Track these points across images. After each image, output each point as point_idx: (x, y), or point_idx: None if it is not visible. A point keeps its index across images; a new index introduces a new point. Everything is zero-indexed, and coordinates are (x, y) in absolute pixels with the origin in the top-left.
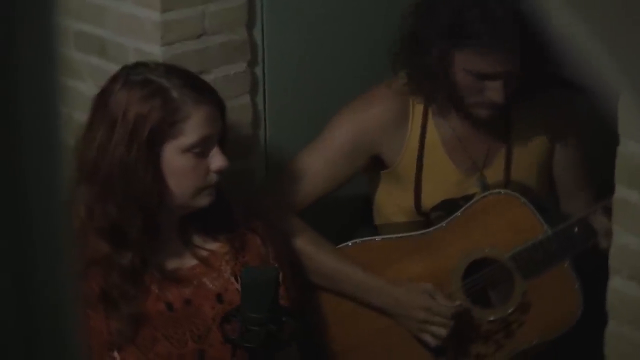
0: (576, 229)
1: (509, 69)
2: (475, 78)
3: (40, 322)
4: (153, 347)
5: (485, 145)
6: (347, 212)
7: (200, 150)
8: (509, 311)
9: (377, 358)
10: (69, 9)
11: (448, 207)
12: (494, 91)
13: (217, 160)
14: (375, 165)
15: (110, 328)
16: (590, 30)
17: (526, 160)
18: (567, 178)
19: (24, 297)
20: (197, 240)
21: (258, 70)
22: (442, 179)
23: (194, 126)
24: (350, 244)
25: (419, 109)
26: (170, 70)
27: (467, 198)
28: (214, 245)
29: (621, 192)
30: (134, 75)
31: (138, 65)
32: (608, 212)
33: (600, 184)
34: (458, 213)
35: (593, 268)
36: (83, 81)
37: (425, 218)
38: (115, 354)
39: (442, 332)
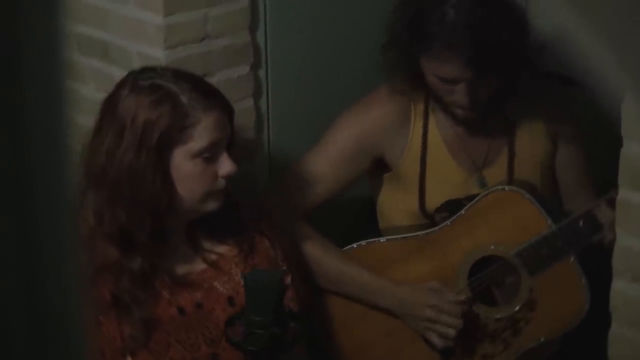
0: (581, 223)
1: (467, 75)
2: (439, 81)
3: (49, 327)
4: (167, 352)
5: (485, 145)
6: (352, 214)
7: (209, 155)
8: (516, 309)
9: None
10: (71, 12)
11: (452, 207)
12: (459, 94)
13: (225, 165)
14: (378, 168)
15: (123, 334)
16: (594, 31)
17: (529, 159)
18: (570, 177)
19: (32, 301)
20: (206, 244)
21: (261, 74)
22: (446, 179)
23: (203, 131)
24: (355, 245)
25: (420, 109)
26: (179, 75)
27: (471, 198)
28: (223, 249)
29: (624, 194)
30: (142, 80)
31: (145, 70)
32: (612, 204)
33: (602, 183)
34: (462, 211)
35: (597, 269)
36: (85, 84)
37: (430, 220)
38: (129, 359)
39: (450, 332)
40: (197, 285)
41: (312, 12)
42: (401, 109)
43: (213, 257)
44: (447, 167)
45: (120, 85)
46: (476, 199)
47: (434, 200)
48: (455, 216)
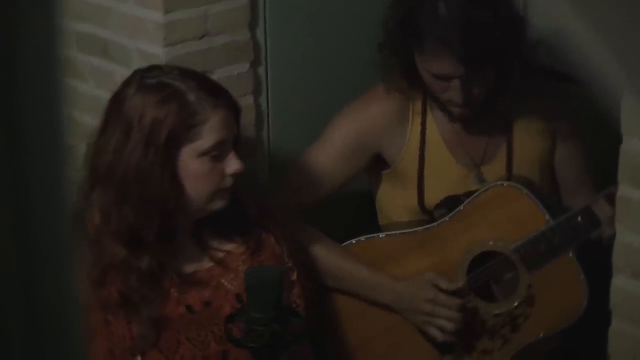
0: (580, 218)
1: (458, 72)
2: (433, 78)
3: (47, 328)
4: (177, 351)
5: (484, 141)
6: (352, 210)
7: (217, 153)
8: (515, 305)
9: (385, 356)
10: (71, 10)
11: (451, 204)
12: (453, 91)
13: (233, 164)
14: (376, 165)
15: (132, 333)
16: (593, 28)
17: (528, 156)
18: (570, 174)
19: (30, 301)
20: (213, 242)
21: (261, 71)
22: (445, 176)
23: (211, 130)
24: (354, 241)
25: (418, 106)
26: (186, 73)
27: (470, 194)
28: (230, 247)
29: (624, 190)
30: (149, 79)
31: (152, 69)
32: (611, 199)
33: (603, 180)
34: (461, 207)
35: (597, 265)
36: (85, 82)
37: (429, 217)
38: (139, 358)
39: (449, 325)
40: (205, 284)
41: (312, 9)
42: (399, 106)
43: (220, 255)
44: (446, 164)
45: (127, 84)
46: (475, 194)
47: (433, 197)
48: (454, 212)
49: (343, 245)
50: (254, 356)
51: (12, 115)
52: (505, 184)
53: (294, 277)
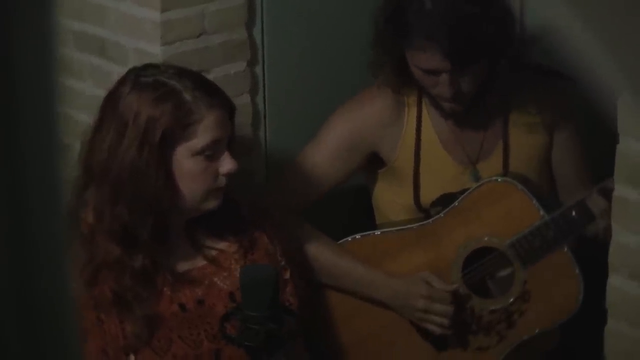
0: (574, 212)
1: (445, 66)
2: (422, 72)
3: (42, 326)
4: (169, 349)
5: (479, 138)
6: (349, 209)
7: (211, 153)
8: (510, 300)
9: (380, 353)
10: (68, 8)
11: (447, 201)
12: (442, 86)
13: (227, 163)
14: (372, 164)
15: (125, 331)
16: (591, 28)
17: (525, 153)
18: (566, 170)
19: (24, 299)
20: (206, 241)
21: (258, 70)
22: (440, 173)
23: (206, 129)
24: (350, 239)
25: (413, 104)
26: (182, 72)
27: (465, 192)
28: (222, 245)
29: (621, 190)
30: (144, 77)
31: (148, 67)
32: (604, 193)
33: (600, 179)
34: (456, 203)
35: (594, 262)
36: (83, 81)
37: (425, 214)
38: (132, 357)
39: (444, 321)
40: (198, 282)
41: (309, 8)
42: (394, 104)
43: (213, 253)
44: (441, 161)
45: (122, 82)
46: (470, 190)
47: (428, 195)
48: (449, 208)
49: (339, 242)
50: (249, 354)
51: (8, 114)
52: (500, 179)
53: (287, 275)
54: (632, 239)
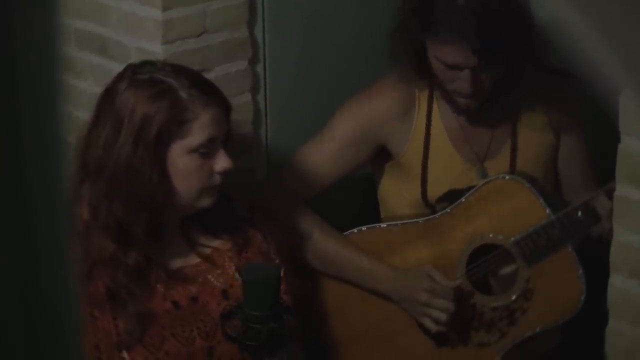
0: (580, 213)
1: (470, 62)
2: (444, 67)
3: (44, 321)
4: (162, 346)
5: (488, 136)
6: (354, 201)
7: (206, 150)
8: (513, 298)
9: (380, 347)
10: (70, 7)
11: (453, 197)
12: (462, 82)
13: (222, 161)
14: (380, 157)
15: (118, 328)
16: (594, 28)
17: (532, 152)
18: (572, 170)
19: (27, 294)
20: (201, 238)
21: (259, 69)
22: (448, 169)
23: (201, 127)
24: (355, 230)
25: (424, 99)
26: (178, 70)
27: (472, 189)
28: (216, 243)
29: (622, 189)
30: (141, 74)
31: (144, 64)
32: (611, 194)
33: (606, 178)
34: (462, 199)
35: (597, 262)
36: (84, 79)
37: (431, 210)
38: (125, 353)
39: (442, 316)
40: (192, 279)
41: (310, 7)
42: (405, 98)
43: (207, 250)
44: (449, 157)
45: (118, 78)
46: (477, 186)
47: (435, 190)
48: (455, 204)
49: (344, 234)
50: (251, 354)
51: (11, 112)
52: (508, 177)
53: (281, 273)
54: (633, 238)
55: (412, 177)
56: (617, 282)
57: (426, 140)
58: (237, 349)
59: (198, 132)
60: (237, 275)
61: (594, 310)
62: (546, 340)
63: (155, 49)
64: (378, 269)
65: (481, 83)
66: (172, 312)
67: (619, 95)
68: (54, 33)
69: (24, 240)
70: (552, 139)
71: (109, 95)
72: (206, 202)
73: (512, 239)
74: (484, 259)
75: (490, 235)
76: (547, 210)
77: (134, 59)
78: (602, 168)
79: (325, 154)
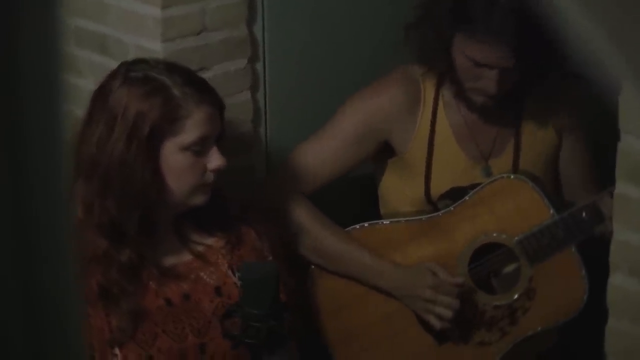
0: (584, 214)
1: (504, 62)
2: (472, 64)
3: (45, 320)
4: (154, 343)
5: (492, 134)
6: (354, 197)
7: (199, 148)
8: (515, 297)
9: (380, 344)
10: (69, 5)
11: (456, 195)
12: (489, 81)
13: (215, 159)
14: (383, 153)
15: (110, 325)
16: (596, 24)
17: (535, 151)
18: (573, 171)
19: (29, 293)
20: (194, 236)
21: (259, 67)
22: (452, 167)
23: (194, 125)
24: (357, 226)
25: (430, 95)
26: (171, 67)
27: (475, 186)
28: (210, 240)
29: (622, 188)
30: (134, 71)
31: (138, 62)
32: None
33: (608, 178)
34: (466, 197)
35: (599, 261)
36: (83, 78)
37: (433, 207)
38: (117, 350)
39: (447, 313)
40: (184, 276)
41: (309, 5)
42: (411, 94)
43: (200, 248)
44: (453, 154)
45: (112, 76)
46: (481, 185)
47: (438, 187)
48: (459, 202)
49: (346, 230)
50: (251, 352)
51: (11, 111)
52: (512, 176)
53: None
54: (632, 237)
55: (415, 174)
56: (616, 281)
57: (431, 137)
58: (229, 346)
59: (191, 129)
60: (230, 272)
61: (593, 309)
62: (544, 339)
63: (155, 47)
64: (380, 265)
65: (506, 83)
66: (164, 309)
67: (619, 94)
68: (55, 31)
69: (25, 239)
70: (555, 138)
71: (102, 93)
72: (199, 200)
73: (516, 238)
74: (486, 258)
75: (494, 234)
76: (551, 210)
77: (134, 56)
78: (602, 167)
79: (328, 150)
